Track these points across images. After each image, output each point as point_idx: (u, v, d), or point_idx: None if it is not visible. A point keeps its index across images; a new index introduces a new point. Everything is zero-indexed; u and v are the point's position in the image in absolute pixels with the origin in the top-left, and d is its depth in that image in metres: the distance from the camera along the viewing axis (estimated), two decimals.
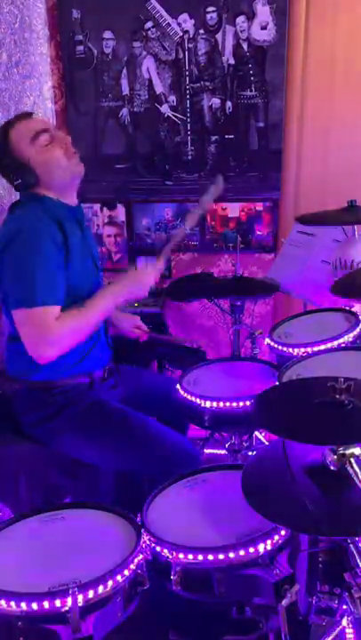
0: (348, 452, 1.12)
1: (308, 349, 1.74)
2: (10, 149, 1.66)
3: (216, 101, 2.91)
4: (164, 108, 2.95)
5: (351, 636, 1.35)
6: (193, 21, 2.80)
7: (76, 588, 1.09)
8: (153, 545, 1.24)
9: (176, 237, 2.03)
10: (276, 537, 1.20)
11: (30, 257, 1.58)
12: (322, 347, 1.73)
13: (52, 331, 1.58)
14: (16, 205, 1.75)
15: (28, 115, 1.74)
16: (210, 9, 2.77)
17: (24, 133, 1.66)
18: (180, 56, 2.86)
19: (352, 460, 1.12)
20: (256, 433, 2.30)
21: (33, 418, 1.75)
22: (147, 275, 1.77)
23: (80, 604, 1.08)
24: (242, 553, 1.18)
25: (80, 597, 1.09)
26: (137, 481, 1.74)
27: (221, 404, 1.65)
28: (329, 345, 1.73)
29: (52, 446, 1.74)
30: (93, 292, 1.73)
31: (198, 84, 2.89)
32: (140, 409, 1.85)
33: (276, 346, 1.85)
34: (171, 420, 1.95)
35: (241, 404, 1.63)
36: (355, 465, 1.11)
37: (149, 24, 2.83)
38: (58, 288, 1.62)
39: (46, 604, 1.09)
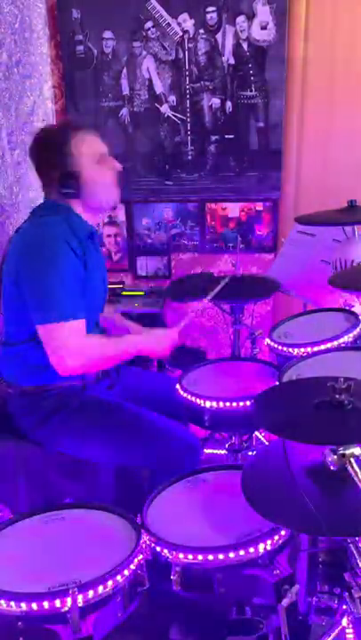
0: (348, 451, 1.12)
1: (308, 349, 1.74)
2: (68, 153, 1.66)
3: (216, 101, 2.91)
4: (164, 108, 2.95)
5: (351, 636, 1.35)
6: (193, 21, 2.80)
7: (76, 588, 1.09)
8: (153, 545, 1.24)
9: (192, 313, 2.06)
10: (276, 537, 1.20)
11: (56, 271, 1.57)
12: (322, 347, 1.73)
13: (77, 344, 1.59)
14: (41, 211, 1.74)
15: (91, 131, 1.76)
16: (210, 9, 2.77)
17: (91, 148, 1.70)
18: (180, 56, 2.86)
19: (352, 459, 1.11)
20: (256, 433, 2.30)
21: (28, 422, 1.75)
22: (170, 339, 1.84)
23: (80, 604, 1.09)
24: (242, 553, 1.18)
25: (80, 597, 1.09)
26: (137, 481, 1.74)
27: (221, 403, 1.65)
28: (329, 345, 1.73)
29: (51, 447, 1.74)
30: (96, 314, 1.79)
31: (198, 84, 2.89)
32: (140, 407, 1.85)
33: (276, 346, 1.85)
34: (171, 418, 1.95)
35: (241, 403, 1.63)
36: (355, 465, 1.11)
37: (149, 24, 2.83)
38: (80, 303, 1.63)
39: (46, 604, 1.09)
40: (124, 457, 1.72)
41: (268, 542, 1.19)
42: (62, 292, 1.57)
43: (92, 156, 1.69)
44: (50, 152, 1.68)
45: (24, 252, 1.62)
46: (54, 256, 1.58)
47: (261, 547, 1.19)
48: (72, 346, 1.58)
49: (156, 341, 1.82)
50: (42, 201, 1.79)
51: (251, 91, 2.88)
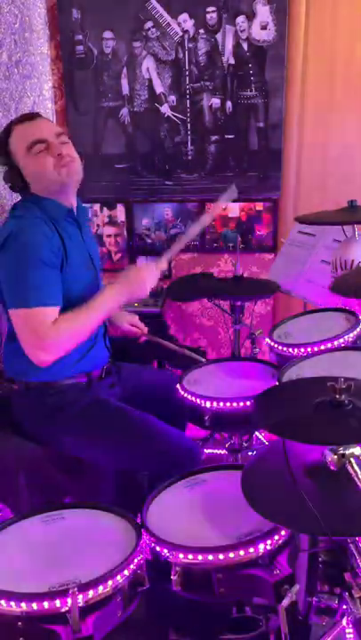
0: (348, 452, 1.12)
1: (308, 349, 1.74)
2: (7, 151, 1.68)
3: (216, 101, 2.91)
4: (164, 108, 2.95)
5: (351, 636, 1.35)
6: (193, 21, 2.80)
7: (76, 588, 1.09)
8: (153, 545, 1.24)
9: (185, 238, 1.96)
10: (276, 537, 1.20)
11: (27, 257, 1.58)
12: (322, 347, 1.73)
13: (49, 334, 1.57)
14: (16, 206, 1.76)
15: (33, 117, 1.71)
16: (210, 9, 2.77)
17: (21, 140, 1.67)
18: (180, 56, 2.86)
19: (352, 459, 1.12)
20: (256, 433, 2.30)
21: (32, 419, 1.75)
22: (147, 274, 1.75)
23: (80, 604, 1.08)
24: (242, 553, 1.18)
25: (80, 597, 1.09)
26: (137, 481, 1.74)
27: (221, 404, 1.65)
28: (329, 345, 1.73)
29: (53, 446, 1.74)
30: (91, 294, 1.72)
31: (198, 84, 2.89)
32: (140, 406, 1.85)
33: (276, 346, 1.85)
34: (170, 416, 1.95)
35: (241, 403, 1.63)
36: (355, 465, 1.11)
37: (149, 24, 2.83)
38: (55, 289, 1.62)
39: (46, 604, 1.09)
40: (124, 462, 1.72)
41: (268, 542, 1.19)
42: (34, 278, 1.57)
43: (23, 146, 1.66)
44: None
45: (6, 240, 1.62)
46: (25, 244, 1.59)
47: (261, 547, 1.19)
48: (41, 334, 1.57)
49: (132, 282, 1.73)
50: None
51: (251, 91, 2.88)
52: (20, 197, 1.78)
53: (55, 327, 1.58)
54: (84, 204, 1.88)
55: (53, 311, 1.60)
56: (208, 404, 1.66)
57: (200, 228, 2.00)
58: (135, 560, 1.19)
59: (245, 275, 2.30)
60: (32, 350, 1.59)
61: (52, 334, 1.58)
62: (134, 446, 1.67)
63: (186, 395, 1.72)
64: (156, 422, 1.73)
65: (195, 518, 1.33)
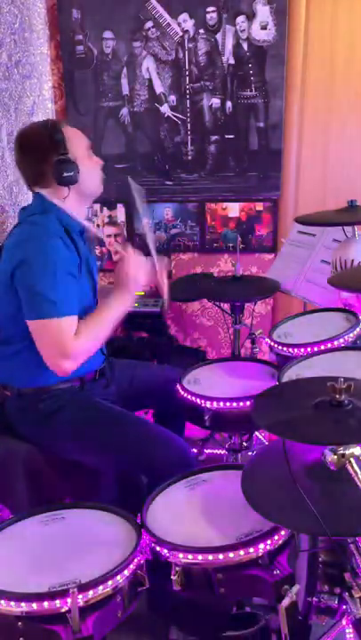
0: (348, 452, 1.12)
1: (308, 349, 1.74)
2: (65, 143, 1.67)
3: (216, 101, 2.91)
4: (164, 108, 2.95)
5: (351, 635, 1.35)
6: (193, 21, 2.80)
7: (76, 588, 1.09)
8: (153, 545, 1.24)
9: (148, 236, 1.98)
10: (276, 537, 1.20)
11: (47, 266, 1.57)
12: (322, 347, 1.73)
13: (72, 345, 1.58)
14: (30, 210, 1.74)
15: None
16: (210, 9, 2.77)
17: (81, 139, 1.75)
18: (180, 56, 2.86)
19: (352, 459, 1.12)
20: (256, 433, 2.30)
21: (26, 424, 1.74)
22: (134, 269, 1.72)
23: (80, 604, 1.08)
24: (242, 553, 1.18)
25: (80, 597, 1.09)
26: (136, 481, 1.74)
27: (221, 403, 1.65)
28: (329, 345, 1.73)
29: (48, 450, 1.74)
30: (90, 305, 1.74)
31: (198, 84, 2.89)
32: (136, 403, 1.84)
33: (276, 346, 1.85)
34: (167, 411, 1.95)
35: (241, 403, 1.63)
36: (355, 465, 1.11)
37: (149, 24, 2.83)
38: (74, 299, 1.62)
39: (46, 604, 1.09)
40: (117, 464, 1.72)
41: (268, 542, 1.19)
42: (55, 288, 1.57)
43: (82, 146, 1.75)
44: (42, 142, 1.68)
45: (18, 251, 1.61)
46: (48, 253, 1.59)
47: (261, 547, 1.19)
48: (65, 345, 1.57)
49: (124, 284, 1.71)
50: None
51: (251, 91, 2.88)
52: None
53: (77, 337, 1.59)
54: None
55: (74, 321, 1.60)
56: (208, 404, 1.66)
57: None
58: (135, 560, 1.19)
59: (245, 275, 2.30)
60: (54, 360, 1.59)
61: (76, 345, 1.58)
62: (129, 452, 1.66)
63: (186, 394, 1.72)
64: (148, 424, 1.73)
65: (195, 518, 1.33)
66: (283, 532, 1.21)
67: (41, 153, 1.68)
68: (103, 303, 1.72)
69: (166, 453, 1.61)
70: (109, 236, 3.21)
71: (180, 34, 2.83)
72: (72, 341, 1.58)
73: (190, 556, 1.19)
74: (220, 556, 1.18)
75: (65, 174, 1.67)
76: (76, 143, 1.72)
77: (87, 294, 1.75)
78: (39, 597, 1.09)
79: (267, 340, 1.91)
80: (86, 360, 1.69)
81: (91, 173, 1.75)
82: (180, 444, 1.67)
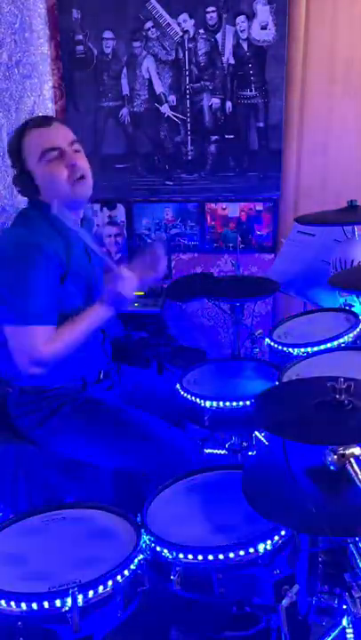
0: (348, 451, 1.12)
1: (309, 349, 1.74)
2: (19, 154, 1.64)
3: (216, 101, 2.91)
4: (164, 108, 2.95)
5: (351, 636, 1.34)
6: (193, 21, 2.80)
7: (76, 588, 1.09)
8: (153, 545, 1.24)
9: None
10: (276, 537, 1.20)
11: (27, 273, 1.56)
12: (322, 347, 1.73)
13: (41, 352, 1.55)
14: (20, 217, 1.72)
15: (50, 122, 1.66)
16: (210, 9, 2.77)
17: (35, 145, 1.62)
18: (180, 56, 2.86)
19: (352, 459, 1.11)
20: (256, 433, 2.30)
21: (27, 422, 1.74)
22: (123, 286, 1.64)
23: (80, 604, 1.08)
24: (242, 553, 1.18)
25: (80, 597, 1.09)
26: (137, 481, 1.74)
27: (221, 403, 1.65)
28: (329, 345, 1.73)
29: (49, 448, 1.74)
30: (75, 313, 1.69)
31: (198, 84, 2.89)
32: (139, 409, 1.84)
33: (276, 346, 1.85)
34: (169, 421, 1.95)
35: (241, 403, 1.63)
36: (355, 465, 1.11)
37: (149, 24, 2.83)
38: (51, 308, 1.60)
39: (46, 604, 1.09)
40: (120, 461, 1.71)
41: (268, 542, 1.19)
42: (31, 295, 1.55)
43: (35, 153, 1.62)
44: (8, 152, 1.67)
45: (7, 262, 1.59)
46: (24, 262, 1.56)
47: (261, 547, 1.19)
48: (30, 352, 1.55)
49: (114, 301, 1.64)
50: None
51: (251, 91, 2.88)
52: (19, 197, 1.78)
53: (48, 346, 1.55)
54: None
55: (48, 330, 1.57)
56: (208, 404, 1.66)
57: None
58: (135, 560, 1.19)
59: (245, 275, 2.30)
60: (23, 365, 1.57)
61: (45, 352, 1.55)
62: (129, 446, 1.66)
63: (186, 395, 1.72)
64: (150, 420, 1.72)
65: (195, 518, 1.33)
66: (283, 532, 1.21)
67: (14, 168, 1.67)
68: (84, 313, 1.64)
69: (167, 455, 1.61)
70: (109, 235, 3.21)
71: (180, 34, 2.83)
72: (41, 350, 1.54)
73: (190, 556, 1.19)
74: (220, 556, 1.18)
75: (20, 189, 1.66)
76: (31, 152, 1.62)
77: (75, 299, 1.70)
78: (39, 597, 1.09)
79: (267, 340, 1.91)
80: (80, 360, 1.69)
81: (48, 181, 1.63)
82: (181, 445, 1.68)
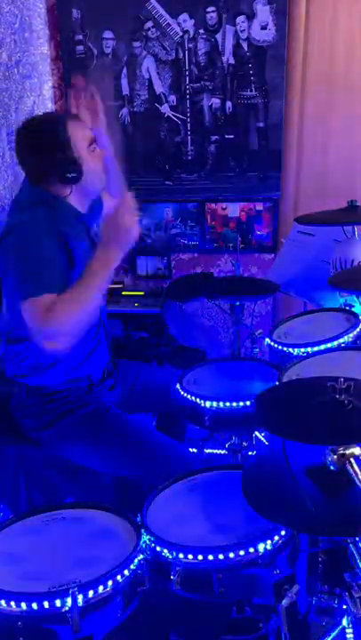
0: (348, 451, 1.12)
1: (309, 349, 1.74)
2: (68, 143, 1.64)
3: (216, 101, 2.91)
4: (164, 108, 2.95)
5: (351, 636, 1.34)
6: (193, 21, 2.80)
7: (76, 588, 1.09)
8: (153, 545, 1.24)
9: None
10: (276, 537, 1.20)
11: (34, 253, 1.54)
12: (322, 347, 1.73)
13: (51, 316, 1.45)
14: (23, 202, 1.70)
15: (78, 117, 1.75)
16: (210, 9, 2.78)
17: (82, 134, 1.69)
18: (180, 56, 2.86)
19: (352, 459, 1.11)
20: (256, 433, 2.30)
21: (32, 424, 1.74)
22: (123, 220, 1.58)
23: (80, 604, 1.08)
24: (242, 553, 1.18)
25: (80, 597, 1.09)
26: (137, 481, 1.74)
27: (221, 403, 1.65)
28: (329, 345, 1.73)
29: (51, 451, 1.74)
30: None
31: (198, 84, 2.90)
32: (137, 404, 1.84)
33: (276, 346, 1.85)
34: (168, 415, 1.95)
35: (241, 403, 1.63)
36: (355, 465, 1.11)
37: (149, 24, 2.83)
38: (64, 280, 1.54)
39: (46, 604, 1.09)
40: (122, 472, 1.71)
41: (268, 542, 1.19)
42: (41, 268, 1.52)
43: (85, 140, 1.68)
44: (46, 140, 1.65)
45: (10, 247, 1.58)
46: (30, 245, 1.55)
47: (261, 547, 1.19)
48: (46, 319, 1.46)
49: (112, 238, 1.55)
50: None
51: (251, 91, 2.88)
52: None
53: (57, 307, 1.47)
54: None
55: (50, 298, 1.48)
56: (208, 404, 1.66)
57: None
58: (135, 560, 1.19)
59: (245, 275, 2.30)
60: (39, 339, 1.49)
61: (56, 316, 1.46)
62: (133, 459, 1.66)
63: (186, 395, 1.72)
64: (154, 433, 1.73)
65: (195, 518, 1.33)
66: (283, 532, 1.21)
67: (45, 152, 1.64)
68: (87, 267, 1.55)
69: (168, 466, 1.61)
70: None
71: (180, 34, 2.83)
72: (51, 314, 1.45)
73: (190, 556, 1.19)
74: (220, 556, 1.18)
75: (68, 175, 1.65)
76: (80, 140, 1.67)
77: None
78: (39, 597, 1.09)
79: (267, 340, 1.91)
80: (88, 356, 1.69)
81: (93, 171, 1.71)
82: (182, 456, 1.68)
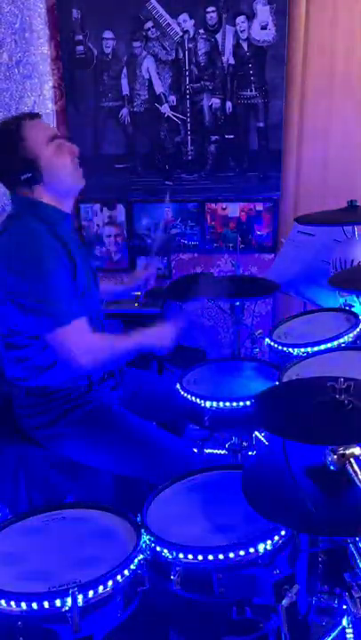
0: (348, 451, 1.12)
1: (308, 349, 1.74)
2: (22, 142, 1.61)
3: (216, 101, 2.91)
4: (164, 108, 2.95)
5: (351, 636, 1.34)
6: (193, 21, 2.80)
7: (76, 588, 1.09)
8: (153, 545, 1.24)
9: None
10: (276, 537, 1.20)
11: (47, 276, 1.56)
12: (322, 347, 1.73)
13: (90, 340, 1.63)
14: (12, 218, 1.69)
15: (39, 116, 1.71)
16: (210, 9, 2.78)
17: (40, 132, 1.64)
18: (180, 56, 2.86)
19: (352, 459, 1.11)
20: (256, 433, 2.30)
21: (33, 423, 1.74)
22: (171, 332, 1.79)
23: (80, 604, 1.08)
24: (242, 553, 1.18)
25: (80, 597, 1.09)
26: (137, 481, 1.74)
27: (221, 403, 1.65)
28: (329, 345, 1.73)
29: (52, 450, 1.74)
30: (92, 305, 1.73)
31: (198, 84, 2.89)
32: (140, 411, 1.84)
33: (276, 346, 1.85)
34: (170, 422, 1.95)
35: (241, 403, 1.63)
36: (355, 465, 1.11)
37: (149, 24, 2.83)
38: (76, 300, 1.63)
39: (46, 604, 1.09)
40: (123, 469, 1.72)
41: (268, 542, 1.19)
42: (58, 296, 1.56)
43: (43, 137, 1.64)
44: (2, 146, 1.63)
45: (12, 261, 1.58)
46: (42, 261, 1.56)
47: (261, 547, 1.19)
48: (80, 345, 1.60)
49: (159, 336, 1.78)
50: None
51: (251, 91, 2.88)
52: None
53: (93, 335, 1.65)
54: (83, 205, 1.87)
55: (84, 321, 1.62)
56: (208, 404, 1.66)
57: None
58: (135, 560, 1.19)
59: (245, 275, 2.30)
60: (78, 362, 1.61)
61: (95, 342, 1.65)
62: (135, 456, 1.66)
63: (186, 395, 1.72)
64: (155, 431, 1.73)
65: (195, 518, 1.33)
66: (283, 532, 1.21)
67: (4, 158, 1.64)
68: (137, 331, 1.76)
69: (169, 463, 1.61)
70: (109, 236, 3.21)
71: (180, 34, 2.83)
72: (90, 339, 1.63)
73: (190, 556, 1.19)
74: (220, 556, 1.18)
75: (22, 177, 1.62)
76: (36, 139, 1.63)
77: (80, 288, 1.70)
78: (39, 597, 1.09)
79: (267, 340, 1.91)
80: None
81: (59, 167, 1.65)
82: (183, 452, 1.68)
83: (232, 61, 2.84)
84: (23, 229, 1.62)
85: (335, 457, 1.13)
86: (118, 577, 1.15)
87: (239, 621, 1.36)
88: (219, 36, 2.81)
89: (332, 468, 1.15)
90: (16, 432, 1.78)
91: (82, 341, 1.60)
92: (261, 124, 2.92)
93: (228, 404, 1.64)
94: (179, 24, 2.82)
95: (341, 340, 1.73)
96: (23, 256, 1.58)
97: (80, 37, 2.90)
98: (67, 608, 1.08)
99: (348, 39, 2.77)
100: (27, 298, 1.57)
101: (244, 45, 2.81)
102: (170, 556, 1.21)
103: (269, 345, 1.89)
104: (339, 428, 1.11)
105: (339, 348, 1.72)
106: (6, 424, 1.80)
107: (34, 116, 1.69)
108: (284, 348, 1.81)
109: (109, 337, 1.75)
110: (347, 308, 1.97)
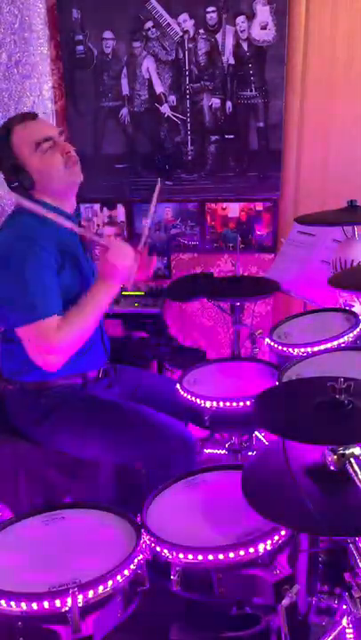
0: (348, 451, 1.12)
1: (308, 349, 1.74)
2: (9, 150, 1.65)
3: (216, 101, 2.91)
4: (164, 108, 2.95)
5: (351, 636, 1.34)
6: (193, 21, 2.80)
7: (76, 588, 1.09)
8: (153, 545, 1.24)
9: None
10: (276, 537, 1.20)
11: (25, 270, 1.58)
12: (322, 347, 1.73)
13: (52, 341, 1.59)
14: (11, 216, 1.73)
15: (33, 116, 1.71)
16: (210, 9, 2.77)
17: (26, 139, 1.65)
18: (180, 56, 2.86)
19: (352, 459, 1.12)
20: (256, 433, 2.30)
21: (26, 420, 1.75)
22: (121, 261, 1.65)
23: (80, 604, 1.08)
24: (242, 553, 1.18)
25: (80, 597, 1.09)
26: (137, 480, 1.74)
27: (221, 403, 1.65)
28: (329, 345, 1.73)
29: (49, 446, 1.74)
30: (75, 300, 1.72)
31: (198, 84, 2.89)
32: None
33: (276, 346, 1.85)
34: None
35: (241, 403, 1.63)
36: (355, 465, 1.11)
37: (149, 24, 2.83)
38: (56, 298, 1.62)
39: (46, 604, 1.09)
40: (121, 455, 1.72)
41: (268, 542, 1.19)
42: (32, 292, 1.58)
43: (29, 145, 1.64)
44: None
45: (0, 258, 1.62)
46: (22, 260, 1.58)
47: (261, 547, 1.19)
48: (47, 343, 1.60)
49: (111, 274, 1.66)
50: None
51: (251, 91, 2.88)
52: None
53: (59, 332, 1.59)
54: (83, 205, 1.87)
55: (55, 319, 1.60)
56: (208, 404, 1.66)
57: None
58: (135, 560, 1.19)
59: (245, 275, 2.30)
60: (41, 359, 1.62)
61: (56, 341, 1.59)
62: (130, 438, 1.67)
63: (186, 395, 1.72)
64: (148, 411, 1.73)
65: (195, 518, 1.33)
66: (283, 532, 1.21)
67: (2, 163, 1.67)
68: (86, 294, 1.67)
69: (167, 440, 1.62)
70: (109, 236, 3.21)
71: (180, 34, 2.83)
72: (52, 339, 1.59)
73: (190, 556, 1.19)
74: (220, 556, 1.18)
75: (12, 185, 1.66)
76: (22, 144, 1.64)
77: (74, 285, 1.72)
78: (39, 597, 1.09)
79: (267, 340, 1.91)
80: (83, 355, 1.70)
81: (47, 173, 1.67)
82: (180, 430, 1.69)
83: (232, 61, 2.84)
84: (13, 228, 1.67)
85: (335, 457, 1.13)
86: (118, 577, 1.15)
87: (239, 617, 1.36)
88: (219, 36, 2.81)
89: (332, 468, 1.15)
90: (13, 431, 1.79)
91: (44, 341, 1.59)
92: (261, 124, 2.92)
93: (228, 403, 1.64)
94: (179, 24, 2.82)
95: (341, 340, 1.73)
96: (5, 252, 1.61)
97: (80, 37, 2.90)
98: (67, 608, 1.08)
99: (349, 39, 2.77)
100: (5, 291, 1.60)
101: (244, 45, 2.81)
102: (170, 556, 1.21)
103: (269, 345, 1.89)
104: (339, 428, 1.11)
105: (339, 348, 1.72)
106: (3, 423, 1.80)
107: (25, 117, 1.69)
108: (284, 348, 1.81)
109: (70, 323, 1.62)
110: (347, 308, 1.97)
